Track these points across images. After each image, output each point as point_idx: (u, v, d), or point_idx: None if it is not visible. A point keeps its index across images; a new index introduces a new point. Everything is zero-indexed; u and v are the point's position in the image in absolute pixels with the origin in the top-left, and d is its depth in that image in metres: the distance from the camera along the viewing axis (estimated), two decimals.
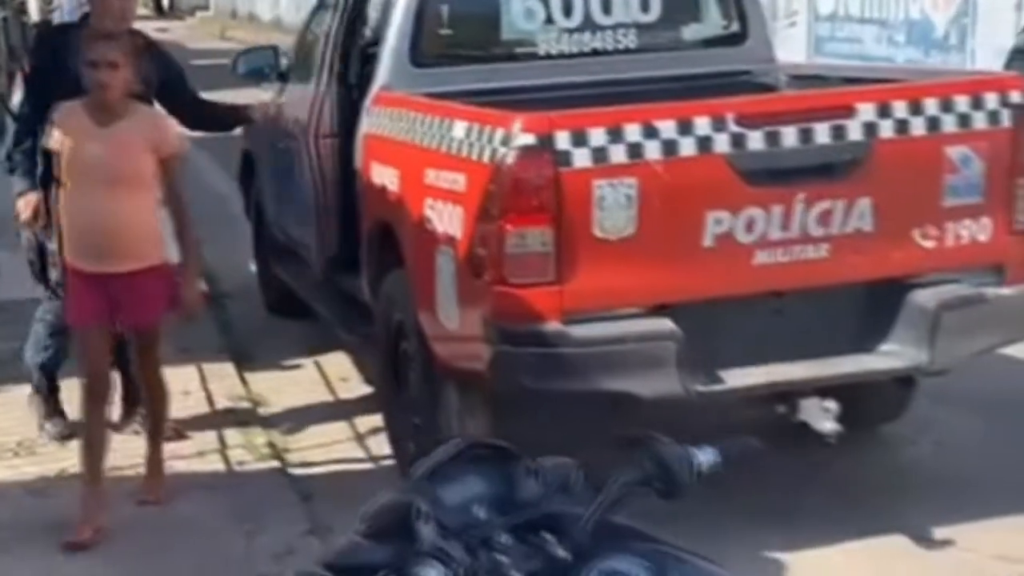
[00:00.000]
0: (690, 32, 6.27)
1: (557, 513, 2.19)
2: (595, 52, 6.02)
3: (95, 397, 4.96)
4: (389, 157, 5.37)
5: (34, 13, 17.57)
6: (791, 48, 13.27)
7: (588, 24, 6.01)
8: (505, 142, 4.39)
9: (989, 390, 6.10)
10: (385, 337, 5.51)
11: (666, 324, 4.45)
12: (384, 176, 5.38)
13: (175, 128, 5.06)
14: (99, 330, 4.90)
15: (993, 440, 5.80)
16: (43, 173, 5.33)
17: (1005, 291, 4.78)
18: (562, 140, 4.34)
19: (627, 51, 6.05)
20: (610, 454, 2.27)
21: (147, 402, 5.35)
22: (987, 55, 9.82)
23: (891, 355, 4.71)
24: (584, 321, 4.43)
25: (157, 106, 5.46)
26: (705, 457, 2.28)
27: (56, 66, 5.35)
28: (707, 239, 4.48)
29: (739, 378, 4.56)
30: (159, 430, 5.30)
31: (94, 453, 4.96)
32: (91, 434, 4.99)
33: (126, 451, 5.45)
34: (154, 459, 5.25)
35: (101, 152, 4.73)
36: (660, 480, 2.24)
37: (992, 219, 4.75)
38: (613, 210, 4.37)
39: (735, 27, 6.22)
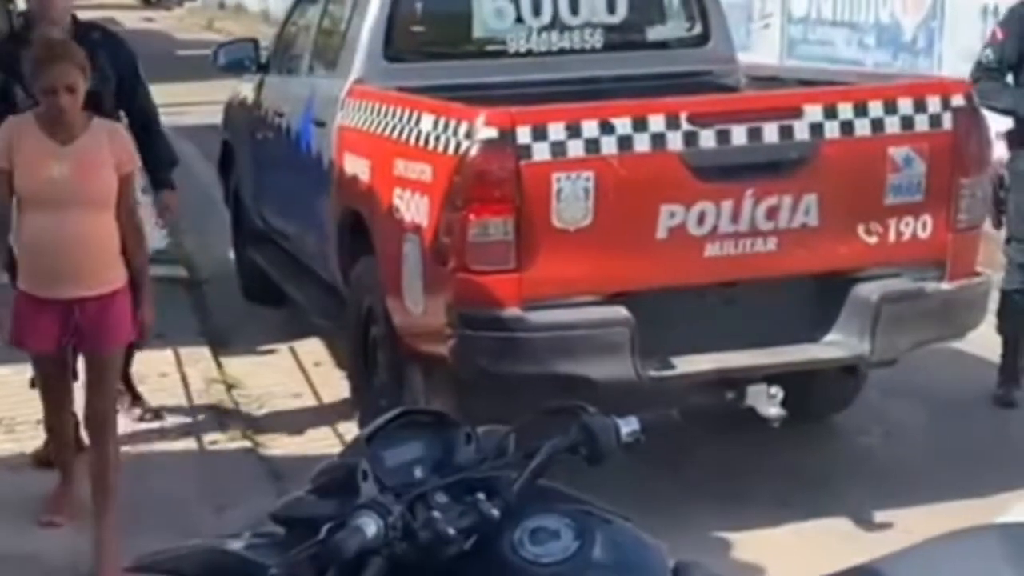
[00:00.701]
0: (654, 33, 6.49)
1: (490, 476, 2.40)
2: (563, 51, 6.24)
3: (60, 439, 4.89)
4: (361, 148, 5.58)
5: (21, 1, 17.68)
6: (765, 49, 13.50)
7: (556, 24, 6.22)
8: (469, 135, 4.60)
9: (938, 384, 6.34)
10: (355, 322, 5.72)
11: (620, 312, 4.67)
12: (356, 166, 5.59)
13: (131, 143, 4.70)
14: (59, 357, 4.66)
15: (939, 431, 6.04)
16: None
17: (945, 286, 5.01)
18: (523, 134, 4.56)
19: (594, 50, 6.27)
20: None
21: (95, 463, 4.70)
22: (953, 59, 10.04)
23: (835, 345, 4.94)
24: (542, 307, 4.65)
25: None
26: (627, 426, 2.50)
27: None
28: (660, 231, 4.70)
29: (690, 364, 4.78)
30: (109, 504, 4.68)
31: (66, 454, 4.95)
32: (61, 442, 4.94)
33: None
34: (105, 539, 4.61)
35: (66, 172, 4.42)
36: (587, 446, 2.46)
37: (934, 217, 4.97)
38: (571, 202, 4.59)
39: (698, 29, 6.44)
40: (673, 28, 6.53)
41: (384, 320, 5.29)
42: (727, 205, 4.74)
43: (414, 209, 4.90)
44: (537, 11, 6.20)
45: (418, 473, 2.38)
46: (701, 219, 4.73)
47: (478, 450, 2.45)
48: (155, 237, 9.37)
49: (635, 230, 4.68)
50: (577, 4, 6.23)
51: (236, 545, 2.56)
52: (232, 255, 8.57)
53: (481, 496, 2.35)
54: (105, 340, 4.58)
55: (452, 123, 4.72)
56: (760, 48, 13.66)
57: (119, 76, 5.32)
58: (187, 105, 16.07)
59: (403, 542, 2.25)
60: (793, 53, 13.32)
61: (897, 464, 5.71)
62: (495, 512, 2.32)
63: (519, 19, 6.20)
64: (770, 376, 4.88)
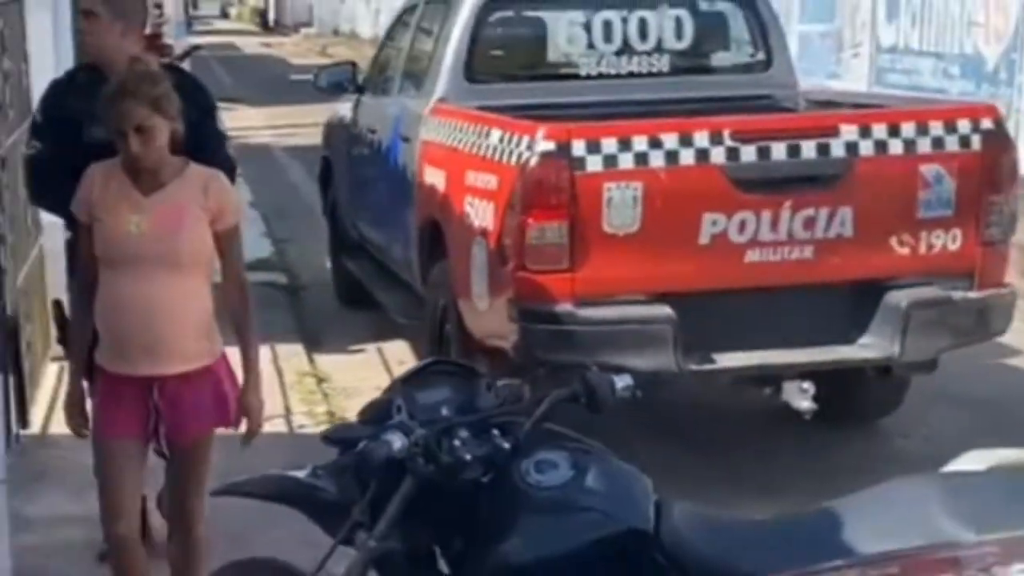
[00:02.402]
0: (719, 59, 6.95)
1: (505, 418, 2.91)
2: (631, 75, 6.72)
3: (123, 545, 3.94)
4: (439, 161, 6.12)
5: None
6: (854, 77, 13.86)
7: (626, 49, 6.71)
8: (530, 148, 5.11)
9: (980, 391, 6.69)
10: (431, 320, 6.24)
11: (664, 310, 5.13)
12: (434, 178, 6.13)
13: (234, 193, 4.02)
14: (131, 446, 3.85)
15: (977, 436, 6.38)
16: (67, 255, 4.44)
17: (973, 295, 5.40)
18: (578, 148, 5.06)
19: (660, 74, 6.74)
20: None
21: (177, 556, 4.07)
22: None
23: (866, 347, 5.35)
24: (593, 304, 5.13)
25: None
26: (621, 381, 2.98)
27: (66, 121, 4.34)
28: (703, 237, 5.16)
29: (729, 360, 5.23)
30: None
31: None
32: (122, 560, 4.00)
33: None
34: None
35: (145, 226, 3.75)
36: (586, 397, 2.95)
37: (963, 231, 5.37)
38: (620, 209, 5.08)
39: (760, 55, 6.88)
40: (737, 54, 6.98)
41: (455, 317, 5.80)
42: (766, 215, 5.18)
43: (481, 215, 5.42)
44: (608, 37, 6.70)
45: (444, 412, 2.89)
46: (742, 227, 5.17)
47: (496, 397, 2.96)
48: (260, 247, 10.16)
49: (679, 236, 5.15)
50: (646, 30, 6.71)
51: (299, 474, 3.09)
52: (329, 263, 9.17)
53: (496, 433, 2.86)
54: (185, 426, 3.84)
55: (516, 137, 5.24)
56: (850, 76, 14.02)
57: (189, 124, 4.36)
58: (297, 126, 16.84)
59: (429, 465, 2.76)
60: (881, 81, 13.64)
61: (934, 465, 6.05)
62: (507, 446, 2.83)
63: (591, 44, 6.70)
64: (806, 374, 5.30)
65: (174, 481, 4.01)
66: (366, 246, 8.01)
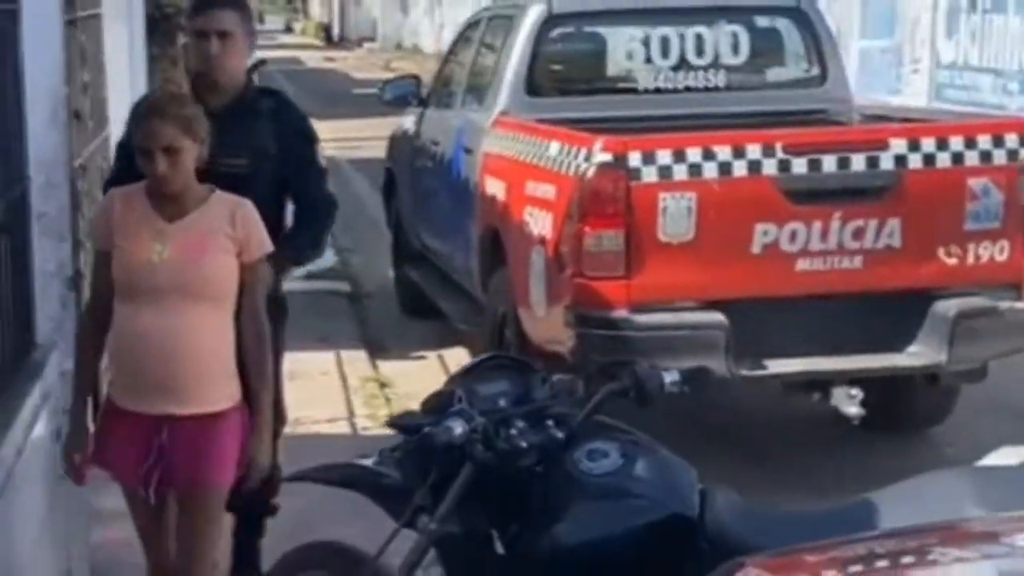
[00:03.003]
0: (774, 74, 7.10)
1: (559, 410, 3.09)
2: (688, 89, 6.89)
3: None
4: (500, 172, 6.33)
5: None
6: (914, 92, 13.94)
7: (683, 64, 6.89)
8: (588, 159, 5.30)
9: None
10: (491, 327, 6.44)
11: (717, 316, 5.30)
12: (495, 188, 6.34)
13: (261, 224, 3.66)
14: (143, 490, 3.59)
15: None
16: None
17: (1019, 305, 5.52)
18: (634, 159, 5.24)
19: (717, 89, 6.91)
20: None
21: None
22: None
23: (914, 355, 5.49)
24: (648, 310, 5.31)
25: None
26: (670, 377, 3.15)
27: None
28: (755, 247, 5.33)
29: (779, 366, 5.38)
30: None
31: None
32: None
33: None
34: None
35: (167, 254, 3.52)
36: (635, 391, 3.12)
37: (1010, 242, 5.49)
38: (675, 218, 5.25)
39: (815, 71, 7.03)
40: (792, 70, 7.13)
41: (515, 323, 6.00)
42: (817, 226, 5.34)
43: (540, 224, 5.61)
44: (665, 53, 6.88)
45: (502, 403, 3.08)
46: (793, 237, 5.33)
47: (551, 390, 3.14)
48: (326, 257, 10.42)
49: (732, 245, 5.31)
50: (703, 46, 6.88)
51: (366, 461, 3.29)
52: (392, 273, 9.40)
53: (551, 424, 3.04)
54: (196, 474, 3.55)
55: (574, 148, 5.43)
56: (910, 92, 14.10)
57: (285, 153, 4.19)
58: (361, 140, 17.13)
59: (487, 452, 2.94)
60: (940, 97, 13.72)
61: None
62: (560, 435, 3.01)
63: (648, 60, 6.88)
64: (854, 380, 5.44)
65: (179, 545, 3.64)
66: (428, 255, 8.23)
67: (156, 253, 3.53)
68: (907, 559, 2.08)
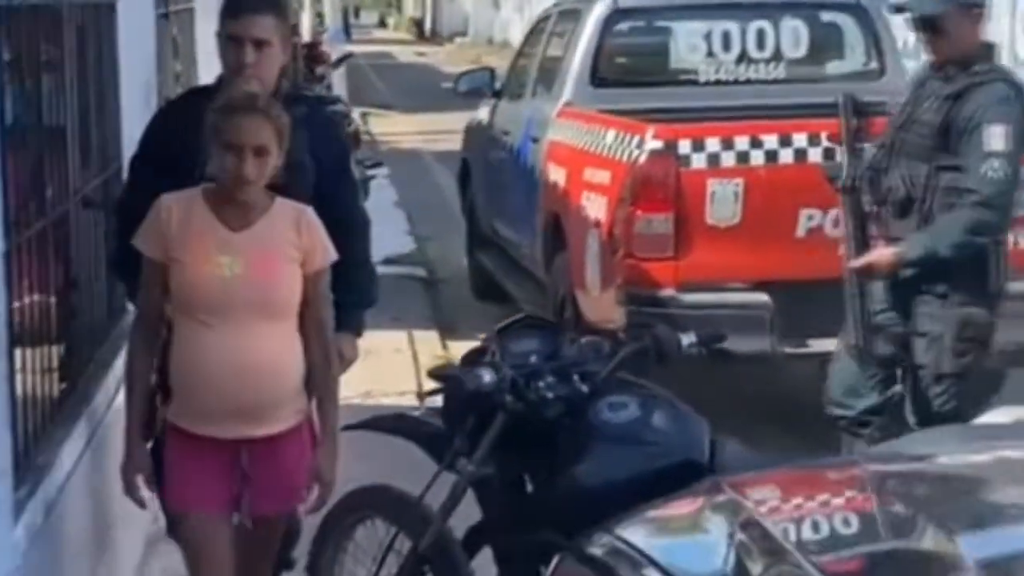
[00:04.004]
0: (833, 67, 7.34)
1: (584, 367, 3.41)
2: (749, 81, 7.16)
3: None
4: (562, 159, 6.65)
5: (306, 33, 19.43)
6: None
7: (744, 57, 7.16)
8: (640, 146, 5.62)
9: None
10: (552, 308, 6.77)
11: (762, 297, 5.58)
12: (557, 175, 6.67)
13: (324, 231, 3.43)
14: (219, 519, 3.38)
15: None
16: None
17: None
18: (684, 146, 5.54)
19: (776, 81, 7.17)
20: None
21: None
22: None
23: None
24: (695, 290, 5.61)
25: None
26: (687, 339, 3.46)
27: (172, 150, 3.66)
28: (800, 231, 5.61)
29: (821, 345, 5.63)
30: None
31: None
32: None
33: None
34: None
35: (239, 268, 3.28)
36: (655, 350, 3.44)
37: None
38: (722, 203, 5.55)
39: (874, 64, 7.26)
40: (851, 63, 7.37)
41: (572, 303, 6.32)
42: None
43: (596, 208, 5.94)
44: (727, 46, 7.15)
45: (532, 359, 3.41)
46: (836, 222, 5.59)
47: (579, 349, 3.47)
48: (403, 243, 10.82)
49: (777, 229, 5.60)
50: (763, 40, 7.15)
51: (416, 413, 3.65)
52: (465, 259, 9.76)
53: (576, 379, 3.37)
54: (276, 496, 3.40)
55: (628, 136, 5.74)
56: None
57: (319, 167, 3.80)
58: (446, 133, 17.49)
59: (518, 402, 3.28)
60: None
61: None
62: (585, 389, 3.34)
63: (710, 53, 7.17)
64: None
65: (244, 558, 3.44)
66: (499, 241, 8.57)
67: (226, 267, 3.26)
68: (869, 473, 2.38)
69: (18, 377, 3.33)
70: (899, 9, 4.95)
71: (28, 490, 3.30)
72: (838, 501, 2.34)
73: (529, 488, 3.41)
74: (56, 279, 4.01)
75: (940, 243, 4.46)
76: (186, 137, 3.50)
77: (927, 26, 4.59)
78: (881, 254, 4.60)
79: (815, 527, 2.21)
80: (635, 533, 2.24)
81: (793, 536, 2.09)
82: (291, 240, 3.34)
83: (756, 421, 6.26)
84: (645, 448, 3.26)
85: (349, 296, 3.78)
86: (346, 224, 3.75)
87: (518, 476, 3.41)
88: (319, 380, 3.43)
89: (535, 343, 3.45)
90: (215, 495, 3.35)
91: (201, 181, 3.42)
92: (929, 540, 2.06)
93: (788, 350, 5.58)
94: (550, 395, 3.29)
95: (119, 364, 4.31)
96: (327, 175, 3.80)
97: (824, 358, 5.79)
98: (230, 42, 3.68)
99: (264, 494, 3.37)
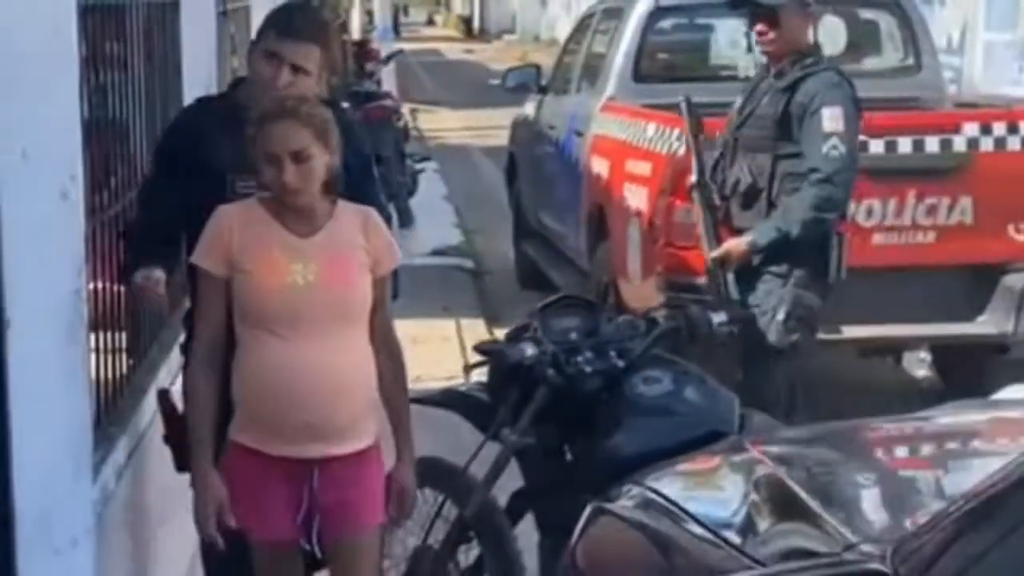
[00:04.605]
0: (871, 63, 7.51)
1: (621, 343, 3.63)
2: None
3: None
4: (605, 152, 6.86)
5: (355, 31, 19.71)
6: None
7: None
8: (679, 138, 5.80)
9: None
10: (596, 297, 6.96)
11: None
12: (600, 167, 6.88)
13: (389, 233, 3.36)
14: (289, 545, 3.23)
15: None
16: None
17: None
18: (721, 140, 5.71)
19: None
20: None
21: None
22: None
23: (983, 324, 5.90)
24: None
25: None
26: (717, 318, 3.68)
27: (196, 154, 3.50)
28: None
29: (855, 332, 5.83)
30: None
31: None
32: None
33: None
34: None
35: (312, 276, 3.15)
36: (687, 329, 3.65)
37: None
38: None
39: (910, 60, 7.42)
40: (888, 59, 7.53)
41: (614, 291, 6.53)
42: (892, 202, 5.78)
43: (637, 199, 6.14)
44: None
45: (572, 336, 3.64)
46: (869, 212, 5.78)
47: (616, 327, 3.69)
48: (451, 235, 11.07)
49: None
50: None
51: (462, 388, 3.88)
52: (512, 251, 9.99)
53: (613, 354, 3.59)
54: (358, 517, 3.23)
55: (667, 129, 5.94)
56: None
57: (346, 169, 3.50)
58: (492, 128, 17.73)
59: (558, 375, 3.50)
60: None
61: None
62: (621, 364, 3.56)
63: (749, 49, 7.33)
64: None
65: None
66: (544, 233, 8.79)
67: (299, 275, 3.12)
68: (879, 436, 2.59)
69: (92, 353, 3.59)
70: (734, 4, 5.16)
71: (101, 456, 3.54)
72: (857, 459, 2.53)
73: (568, 457, 3.63)
74: (123, 259, 4.26)
75: (789, 224, 4.69)
76: (203, 139, 3.42)
77: (765, 19, 4.81)
78: (735, 243, 4.81)
79: (829, 482, 2.40)
80: (664, 485, 2.45)
81: (808, 489, 2.28)
82: (360, 244, 3.21)
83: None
84: (677, 419, 3.48)
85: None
86: None
87: (558, 446, 3.64)
88: (392, 387, 3.27)
89: (575, 321, 3.67)
90: (283, 521, 3.16)
91: (234, 188, 3.35)
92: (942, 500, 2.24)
93: (822, 336, 5.75)
94: (588, 369, 3.51)
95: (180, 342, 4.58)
96: (353, 177, 3.54)
97: (857, 344, 6.00)
98: (267, 56, 3.48)
99: (333, 518, 3.16)
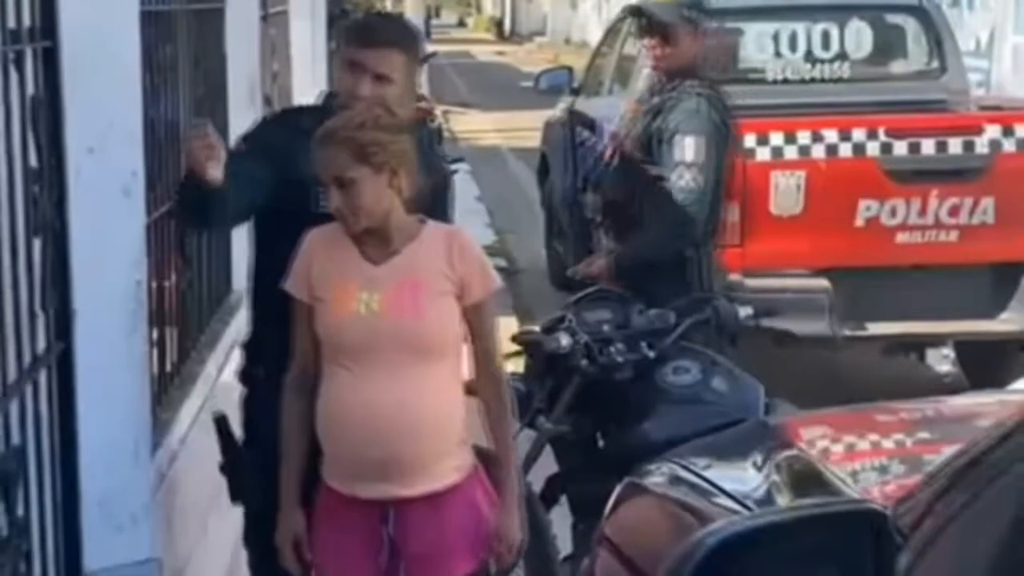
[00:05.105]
0: (897, 66, 7.64)
1: (652, 335, 3.80)
2: (814, 80, 7.48)
3: None
4: None
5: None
6: None
7: (810, 57, 7.47)
8: None
9: None
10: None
11: (822, 282, 5.93)
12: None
13: (484, 255, 3.16)
14: None
15: None
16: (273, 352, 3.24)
17: None
18: (749, 140, 5.88)
19: (841, 80, 7.48)
20: None
21: None
22: None
23: (1005, 322, 6.04)
24: (760, 275, 5.95)
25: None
26: (744, 311, 3.84)
27: (285, 159, 3.28)
28: (859, 220, 5.94)
29: (878, 328, 5.98)
30: None
31: None
32: None
33: None
34: None
35: (376, 304, 2.99)
36: (715, 320, 3.81)
37: None
38: (786, 194, 5.89)
39: (935, 63, 7.55)
40: (913, 62, 7.66)
41: None
42: (916, 202, 5.93)
43: None
44: (793, 46, 7.48)
45: (605, 328, 3.80)
46: (893, 212, 5.93)
47: (647, 319, 3.85)
48: (484, 236, 11.25)
49: (838, 219, 5.94)
50: (828, 40, 7.46)
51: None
52: (544, 250, 10.16)
53: (644, 345, 3.75)
54: (442, 564, 3.04)
55: None
56: None
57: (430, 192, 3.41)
58: (524, 130, 17.90)
59: (591, 365, 3.67)
60: None
61: None
62: (652, 355, 3.72)
63: (778, 53, 7.49)
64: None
65: None
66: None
67: (364, 304, 2.97)
68: (889, 421, 2.74)
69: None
70: (633, 12, 5.08)
71: (155, 440, 3.73)
72: (872, 439, 2.68)
73: (601, 444, 3.79)
74: (174, 256, 4.45)
75: (646, 250, 4.51)
76: (293, 147, 3.22)
77: (658, 35, 4.71)
78: (598, 264, 4.68)
79: (846, 458, 2.55)
80: (692, 462, 2.61)
81: (826, 463, 2.43)
82: (440, 269, 2.98)
83: (817, 399, 6.61)
84: (705, 407, 3.64)
85: None
86: None
87: (591, 433, 3.80)
88: (494, 420, 3.07)
89: (607, 313, 3.84)
90: (359, 565, 3.02)
91: (318, 202, 3.14)
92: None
93: (847, 333, 5.92)
94: (620, 360, 3.68)
95: (228, 335, 4.76)
96: (430, 209, 3.31)
97: (882, 340, 6.15)
98: (349, 67, 3.35)
99: (413, 564, 2.99)
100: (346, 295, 2.99)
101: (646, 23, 4.75)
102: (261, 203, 3.25)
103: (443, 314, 2.97)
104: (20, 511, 2.55)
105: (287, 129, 3.41)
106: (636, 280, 4.33)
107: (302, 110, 3.91)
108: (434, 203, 3.24)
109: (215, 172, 2.93)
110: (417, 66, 3.45)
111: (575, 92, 9.11)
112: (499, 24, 50.34)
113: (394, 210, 2.99)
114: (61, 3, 2.80)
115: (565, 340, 3.62)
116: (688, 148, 4.49)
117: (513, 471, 3.08)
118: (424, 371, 2.94)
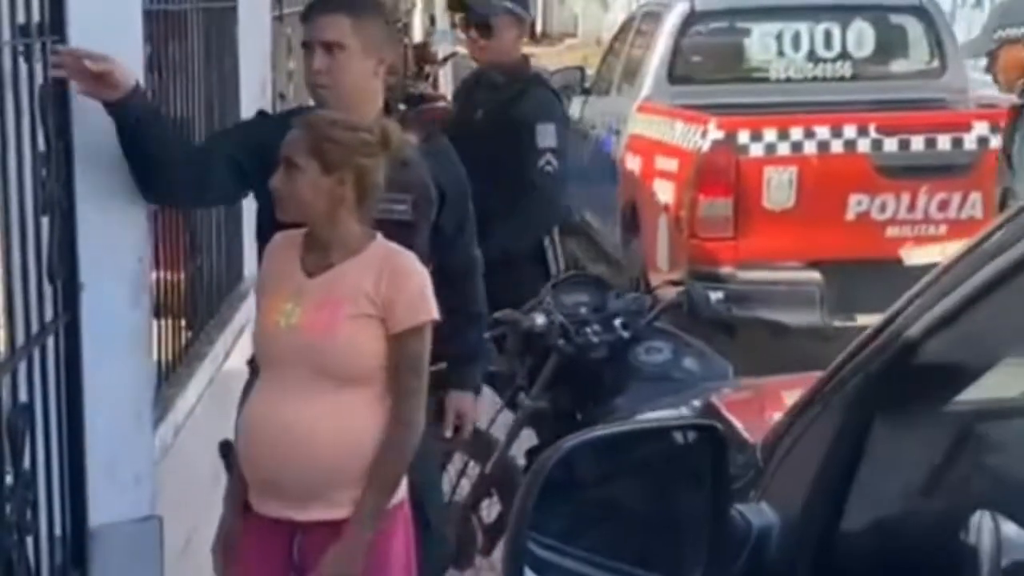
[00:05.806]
0: (897, 65, 7.83)
1: (626, 317, 4.01)
2: (816, 79, 7.68)
3: None
4: (639, 150, 7.25)
5: (417, 34, 20.06)
6: None
7: (812, 56, 7.68)
8: (703, 136, 6.19)
9: None
10: (629, 287, 7.35)
11: (813, 275, 6.13)
12: (634, 164, 7.26)
13: (425, 283, 2.91)
14: None
15: None
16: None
17: None
18: (743, 136, 6.10)
19: (843, 79, 7.67)
20: None
21: None
22: None
23: None
24: (753, 268, 6.16)
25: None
26: (715, 296, 4.05)
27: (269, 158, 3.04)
28: (849, 215, 6.13)
29: (869, 319, 6.12)
30: None
31: None
32: None
33: None
34: None
35: (295, 319, 2.86)
36: (687, 304, 4.02)
37: None
38: (778, 189, 6.10)
39: (935, 63, 7.73)
40: (914, 62, 7.84)
41: (645, 284, 6.90)
42: (905, 197, 6.12)
43: (666, 194, 6.53)
44: (796, 46, 7.68)
45: (582, 310, 4.02)
46: (883, 207, 6.12)
47: (623, 302, 4.07)
48: None
49: (829, 213, 6.14)
50: (830, 40, 7.66)
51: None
52: None
53: (619, 326, 3.97)
54: None
55: (693, 127, 6.33)
56: None
57: (441, 205, 3.42)
58: None
59: (568, 344, 3.89)
60: None
61: None
62: (626, 335, 3.94)
63: (781, 52, 7.70)
64: None
65: None
66: (587, 230, 9.17)
67: (284, 316, 2.85)
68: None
69: (155, 322, 4.00)
70: (451, 7, 5.20)
71: (160, 412, 3.96)
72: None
73: (579, 418, 4.01)
74: (185, 243, 4.70)
75: (508, 239, 4.45)
76: (269, 143, 3.03)
77: (479, 26, 4.84)
78: None
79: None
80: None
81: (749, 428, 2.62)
82: (364, 291, 2.82)
83: None
84: (675, 385, 3.84)
85: (463, 349, 3.54)
86: (462, 268, 3.50)
87: (570, 409, 4.02)
88: (377, 456, 2.82)
89: (584, 296, 4.06)
90: None
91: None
92: None
93: (837, 323, 6.11)
94: (595, 340, 3.90)
95: (237, 319, 4.99)
96: (448, 210, 3.38)
97: None
98: (304, 49, 3.33)
99: None
100: (273, 305, 2.90)
101: (465, 16, 4.92)
102: (240, 191, 3.42)
103: (359, 338, 2.81)
104: (27, 464, 2.78)
105: (284, 129, 3.15)
106: (497, 265, 3.92)
107: (302, 111, 3.76)
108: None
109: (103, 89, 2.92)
110: (378, 31, 3.29)
111: (586, 92, 9.33)
112: (531, 25, 50.47)
113: (340, 221, 2.87)
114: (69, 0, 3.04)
115: (540, 319, 3.84)
116: (549, 135, 4.63)
117: (367, 517, 2.82)
118: (333, 396, 2.81)
